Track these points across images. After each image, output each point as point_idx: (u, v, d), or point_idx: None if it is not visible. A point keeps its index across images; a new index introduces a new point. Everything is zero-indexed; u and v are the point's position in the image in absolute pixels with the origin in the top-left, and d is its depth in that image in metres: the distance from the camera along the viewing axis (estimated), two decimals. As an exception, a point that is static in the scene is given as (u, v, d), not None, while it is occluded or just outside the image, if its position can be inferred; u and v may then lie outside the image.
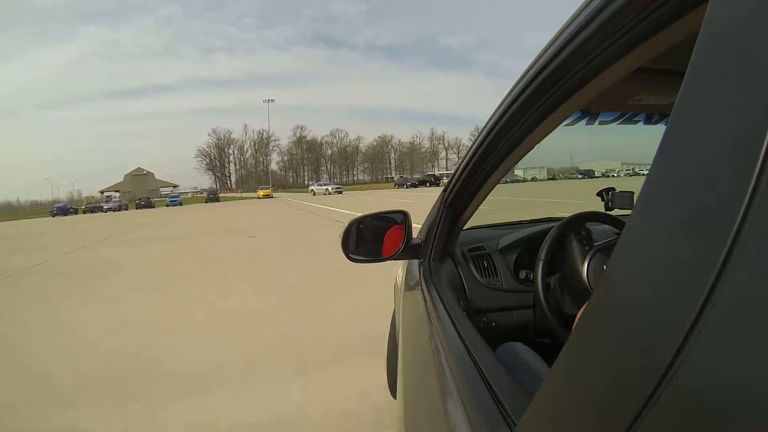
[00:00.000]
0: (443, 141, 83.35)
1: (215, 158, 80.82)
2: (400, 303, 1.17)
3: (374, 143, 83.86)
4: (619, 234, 0.93)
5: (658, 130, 0.85)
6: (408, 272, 1.17)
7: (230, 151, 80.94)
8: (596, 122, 0.79)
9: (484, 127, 0.69)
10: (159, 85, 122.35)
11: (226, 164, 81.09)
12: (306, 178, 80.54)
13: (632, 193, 0.94)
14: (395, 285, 1.41)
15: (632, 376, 0.21)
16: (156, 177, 71.61)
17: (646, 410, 0.19)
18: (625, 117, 0.79)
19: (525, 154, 0.68)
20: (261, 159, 79.42)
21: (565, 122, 0.61)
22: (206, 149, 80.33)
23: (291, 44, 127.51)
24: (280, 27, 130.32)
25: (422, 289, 0.91)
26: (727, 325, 0.17)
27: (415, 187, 39.06)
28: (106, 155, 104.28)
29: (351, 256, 1.01)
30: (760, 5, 0.18)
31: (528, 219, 1.42)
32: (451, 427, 0.50)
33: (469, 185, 0.82)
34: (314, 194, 33.43)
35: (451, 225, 0.95)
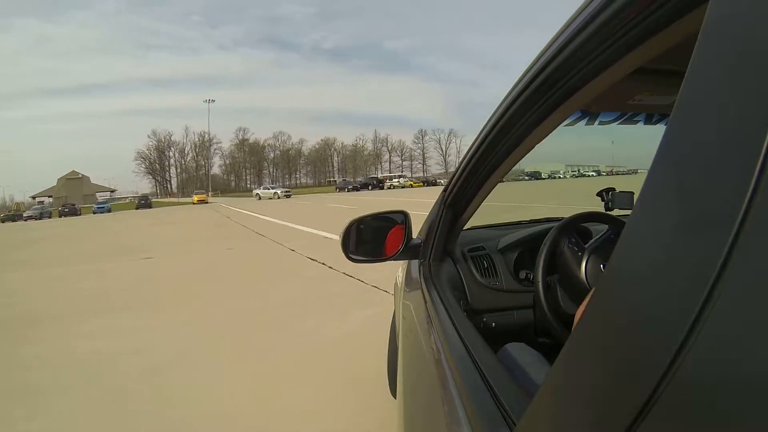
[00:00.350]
0: (387, 143, 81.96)
1: (155, 161, 75.56)
2: (400, 303, 1.17)
3: (317, 146, 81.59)
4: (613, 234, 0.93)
5: (658, 130, 0.85)
6: (408, 272, 1.17)
7: (171, 154, 76.25)
8: (596, 122, 0.79)
9: (484, 127, 0.69)
10: (98, 84, 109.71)
11: (167, 168, 76.42)
12: (248, 182, 76.60)
13: (632, 193, 0.94)
14: (395, 285, 1.41)
15: (632, 376, 0.21)
16: (92, 181, 66.81)
17: (646, 410, 0.19)
18: (625, 117, 0.79)
19: (525, 154, 0.68)
20: (203, 162, 75.65)
21: (565, 122, 0.61)
22: (146, 152, 75.13)
23: (238, 45, 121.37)
24: (228, 27, 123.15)
25: (422, 290, 0.91)
26: (727, 325, 0.17)
27: (357, 190, 38.06)
28: (41, 158, 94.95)
29: (351, 256, 1.02)
30: (760, 5, 0.18)
31: (528, 219, 1.42)
32: (451, 427, 0.50)
33: (469, 185, 0.82)
34: (260, 198, 31.48)
35: (451, 225, 0.95)
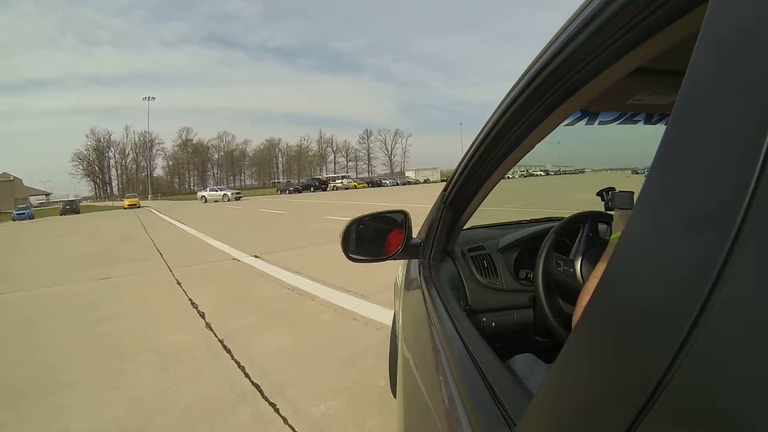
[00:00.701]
0: (332, 144, 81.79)
1: (94, 162, 70.75)
2: (400, 303, 1.17)
3: (262, 146, 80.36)
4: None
5: (657, 130, 0.85)
6: (408, 272, 1.17)
7: (111, 155, 71.91)
8: (596, 122, 0.79)
9: (484, 126, 0.69)
10: (34, 80, 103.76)
11: (107, 169, 72.08)
12: (192, 184, 73.60)
13: (632, 193, 0.94)
14: (395, 285, 1.42)
15: (632, 376, 0.21)
16: (25, 184, 61.71)
17: (646, 410, 0.19)
18: (625, 117, 0.79)
19: (525, 154, 0.68)
20: (144, 164, 72.06)
21: (565, 122, 0.61)
22: (84, 152, 70.35)
23: (184, 42, 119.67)
24: (173, 23, 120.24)
25: (422, 289, 0.91)
26: (727, 325, 0.17)
27: (299, 192, 36.36)
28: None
29: (351, 255, 1.02)
30: (760, 5, 0.18)
31: (528, 219, 1.42)
32: (451, 427, 0.50)
33: (469, 185, 0.82)
34: (205, 201, 28.78)
35: (451, 225, 0.95)
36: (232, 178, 77.94)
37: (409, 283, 1.11)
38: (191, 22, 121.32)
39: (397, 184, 44.15)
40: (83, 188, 72.66)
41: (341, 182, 41.38)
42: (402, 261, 1.27)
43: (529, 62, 0.54)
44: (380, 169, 78.70)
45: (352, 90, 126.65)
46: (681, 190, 0.21)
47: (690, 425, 0.18)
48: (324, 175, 51.87)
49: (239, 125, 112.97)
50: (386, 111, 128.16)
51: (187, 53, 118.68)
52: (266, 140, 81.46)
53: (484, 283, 1.06)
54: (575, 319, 0.70)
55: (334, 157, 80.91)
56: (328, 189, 38.44)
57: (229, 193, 29.71)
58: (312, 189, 38.06)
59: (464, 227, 1.01)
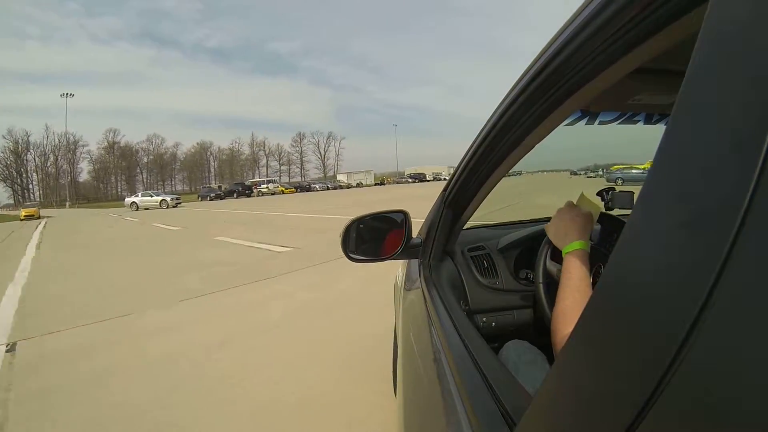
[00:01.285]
0: (264, 147, 78.61)
1: (11, 166, 63.69)
2: (400, 303, 1.17)
3: (193, 150, 75.52)
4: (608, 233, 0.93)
5: (657, 130, 0.85)
6: (408, 272, 1.17)
7: (30, 158, 64.65)
8: (596, 122, 0.79)
9: (484, 127, 0.69)
10: None
11: (26, 173, 64.77)
12: (119, 189, 68.47)
13: (632, 193, 0.94)
14: (395, 285, 1.42)
15: (632, 376, 0.21)
16: None
17: (646, 410, 0.19)
18: (625, 117, 0.79)
19: (525, 154, 0.68)
20: (67, 167, 65.02)
21: (565, 122, 0.61)
22: (0, 155, 62.91)
23: (116, 38, 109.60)
24: (105, 18, 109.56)
25: (422, 289, 0.91)
26: (727, 325, 0.17)
27: (221, 198, 33.08)
28: None
29: (351, 255, 1.02)
30: (760, 5, 0.18)
31: (528, 219, 1.42)
32: (451, 427, 0.50)
33: (469, 185, 0.82)
34: (137, 209, 24.78)
35: (451, 225, 0.95)
36: (161, 183, 72.43)
37: (409, 283, 1.11)
38: (123, 17, 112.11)
39: (328, 188, 42.33)
40: (0, 195, 65.67)
41: (267, 187, 38.54)
42: (402, 261, 1.27)
43: (538, 62, 0.54)
44: (313, 173, 76.95)
45: (287, 93, 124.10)
46: (681, 190, 0.21)
47: (690, 425, 0.18)
48: (249, 180, 48.28)
49: (171, 128, 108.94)
50: (321, 114, 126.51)
51: (119, 50, 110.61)
52: (197, 143, 77.38)
53: (484, 283, 1.06)
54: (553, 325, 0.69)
55: (267, 161, 78.33)
56: (253, 195, 35.55)
57: (168, 199, 25.81)
58: (235, 195, 34.70)
59: (464, 227, 1.01)
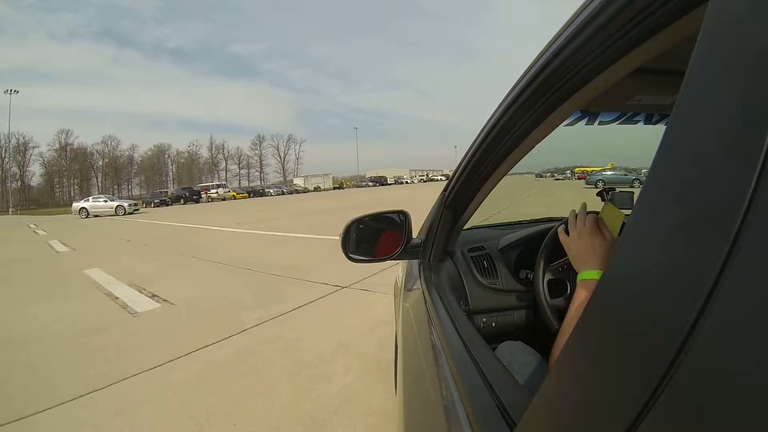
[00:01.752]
0: (223, 151, 74.67)
1: None
2: (400, 303, 1.17)
3: (150, 153, 70.69)
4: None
5: (657, 130, 0.85)
6: (408, 272, 1.17)
7: None
8: (596, 122, 0.79)
9: (484, 126, 0.69)
10: None
11: None
12: (73, 194, 62.07)
13: (632, 193, 0.94)
14: (395, 285, 1.42)
15: (632, 375, 0.21)
16: None
17: (646, 410, 0.19)
18: (625, 117, 0.79)
19: (525, 155, 0.68)
20: (17, 170, 59.90)
21: (565, 122, 0.61)
22: None
23: (74, 36, 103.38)
24: (63, 13, 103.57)
25: (422, 289, 0.91)
26: (727, 325, 0.17)
27: (167, 204, 30.26)
28: None
29: (351, 255, 1.02)
30: (760, 5, 0.18)
31: (528, 219, 1.42)
32: (451, 427, 0.50)
33: (469, 185, 0.82)
34: (86, 215, 22.08)
35: (451, 225, 0.95)
36: (116, 187, 67.20)
37: (409, 284, 1.11)
38: (82, 14, 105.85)
39: (283, 193, 41.05)
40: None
41: (217, 192, 35.87)
42: (402, 261, 1.27)
43: (538, 62, 0.54)
44: (273, 176, 74.28)
45: (249, 96, 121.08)
46: (681, 190, 0.21)
47: (690, 425, 0.18)
48: (200, 185, 44.47)
49: (129, 130, 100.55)
50: (284, 118, 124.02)
51: (78, 49, 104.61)
52: (154, 146, 72.26)
53: (485, 284, 1.06)
54: (568, 316, 0.70)
55: (226, 165, 74.93)
56: (201, 200, 33.42)
57: (126, 205, 23.05)
58: (182, 200, 32.30)
59: (464, 227, 1.01)
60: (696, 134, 0.21)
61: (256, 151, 76.59)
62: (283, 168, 75.43)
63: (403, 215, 1.02)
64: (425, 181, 61.39)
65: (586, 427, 0.24)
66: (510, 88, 0.60)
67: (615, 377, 0.22)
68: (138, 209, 24.31)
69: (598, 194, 0.99)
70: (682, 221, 0.20)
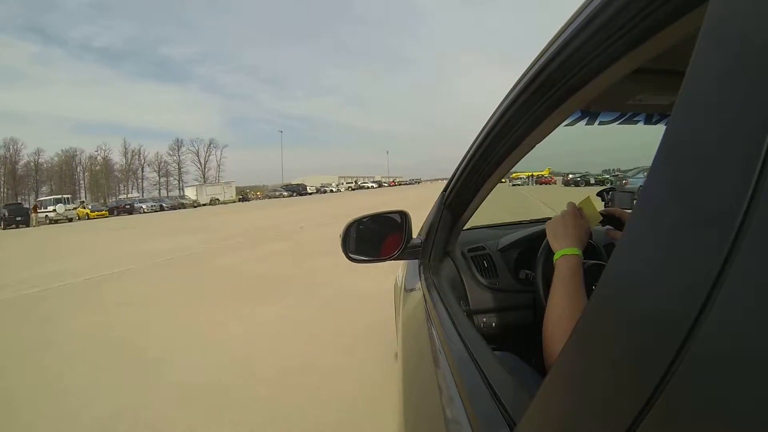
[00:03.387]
0: (140, 156, 65.02)
1: None
2: (401, 303, 1.17)
3: (57, 158, 59.97)
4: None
5: (657, 130, 0.85)
6: (408, 272, 1.17)
7: None
8: (596, 122, 0.78)
9: (484, 127, 0.69)
10: None
11: None
12: None
13: (632, 193, 0.94)
14: (395, 285, 1.42)
15: (632, 375, 0.21)
16: None
17: (646, 410, 0.19)
18: (625, 117, 0.79)
19: (525, 155, 0.68)
20: None
21: (565, 122, 0.61)
22: None
23: None
24: None
25: (422, 290, 0.91)
26: (727, 325, 0.17)
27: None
28: None
29: (351, 256, 1.01)
30: (760, 5, 0.18)
31: (528, 219, 1.42)
32: (451, 427, 0.50)
33: (469, 185, 0.82)
34: None
35: (450, 225, 0.95)
36: (15, 197, 53.91)
37: (409, 284, 1.11)
38: (4, 5, 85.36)
39: (162, 209, 30.60)
40: None
41: (54, 210, 24.21)
42: (402, 261, 1.27)
43: (537, 62, 0.54)
44: (193, 184, 64.58)
45: (177, 101, 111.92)
46: (681, 190, 0.21)
47: (690, 425, 0.18)
48: (39, 199, 33.36)
49: (41, 133, 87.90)
50: (214, 124, 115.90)
51: None
52: (62, 151, 61.38)
53: (485, 284, 1.06)
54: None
55: (142, 173, 65.32)
56: (31, 223, 21.80)
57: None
58: (1, 224, 21.26)
59: (464, 227, 1.01)
60: (696, 134, 0.21)
61: (175, 157, 68.31)
62: (204, 175, 68.01)
63: (403, 215, 1.02)
64: (353, 189, 52.06)
65: (587, 427, 0.24)
66: (510, 88, 0.60)
67: (615, 377, 0.22)
68: (72, 219, 18.55)
69: (598, 194, 0.99)
70: (682, 221, 0.20)
